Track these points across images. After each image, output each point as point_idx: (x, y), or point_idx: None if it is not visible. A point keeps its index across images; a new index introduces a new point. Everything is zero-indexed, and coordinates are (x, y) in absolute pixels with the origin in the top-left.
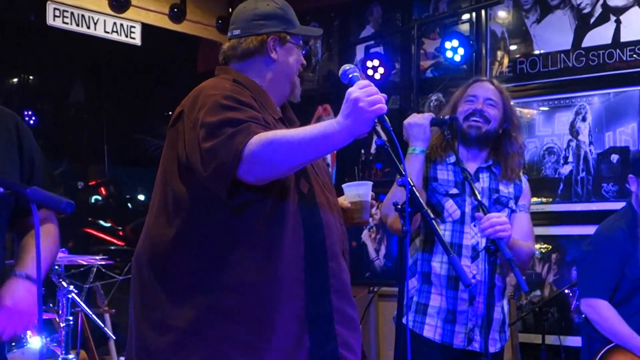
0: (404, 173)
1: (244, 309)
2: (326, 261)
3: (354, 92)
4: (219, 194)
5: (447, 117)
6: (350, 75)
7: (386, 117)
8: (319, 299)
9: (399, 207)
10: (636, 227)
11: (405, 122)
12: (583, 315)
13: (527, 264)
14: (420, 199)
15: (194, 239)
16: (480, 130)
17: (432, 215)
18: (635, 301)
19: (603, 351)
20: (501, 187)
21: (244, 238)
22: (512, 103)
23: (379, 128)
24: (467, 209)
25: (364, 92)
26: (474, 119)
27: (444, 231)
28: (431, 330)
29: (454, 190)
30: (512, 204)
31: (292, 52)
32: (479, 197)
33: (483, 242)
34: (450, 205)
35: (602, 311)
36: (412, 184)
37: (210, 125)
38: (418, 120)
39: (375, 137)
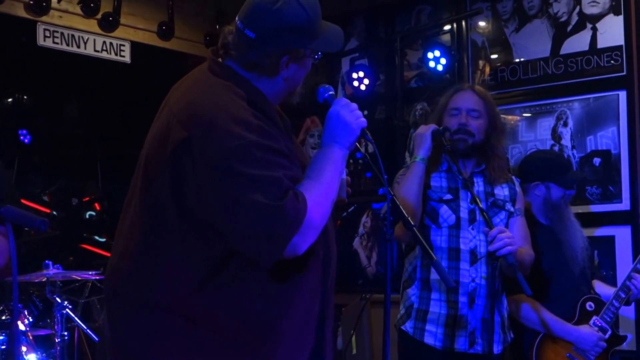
0: (384, 184)
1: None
2: (329, 295)
3: (336, 110)
4: (256, 259)
5: (440, 128)
6: (326, 95)
7: (367, 131)
8: (319, 337)
9: (381, 215)
10: (533, 224)
11: (414, 134)
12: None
13: (529, 268)
14: (402, 208)
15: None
16: (466, 144)
17: (412, 223)
18: (552, 291)
19: (537, 342)
20: (497, 190)
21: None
22: (495, 108)
23: (362, 138)
24: (462, 214)
25: (347, 108)
26: (459, 136)
27: (441, 236)
28: (432, 336)
29: (448, 196)
30: (508, 206)
31: (305, 65)
32: (479, 203)
33: (481, 246)
34: (444, 210)
35: (524, 303)
36: (392, 194)
37: (250, 186)
38: (420, 131)
39: (365, 146)
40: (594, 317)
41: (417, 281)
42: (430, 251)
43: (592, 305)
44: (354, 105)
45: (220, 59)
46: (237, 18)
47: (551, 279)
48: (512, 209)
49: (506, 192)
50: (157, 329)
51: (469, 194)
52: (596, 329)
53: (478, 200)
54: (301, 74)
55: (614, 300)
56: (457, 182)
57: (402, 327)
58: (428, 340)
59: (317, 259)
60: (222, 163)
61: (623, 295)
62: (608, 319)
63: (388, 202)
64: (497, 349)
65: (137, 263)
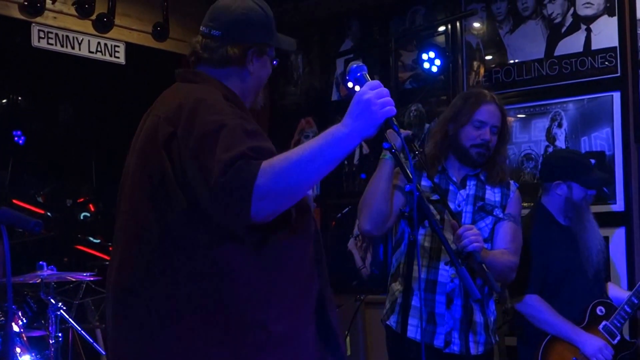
0: (411, 178)
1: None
2: (326, 280)
3: (365, 93)
4: (236, 231)
5: (410, 133)
6: (358, 74)
7: (395, 120)
8: (328, 321)
9: (406, 214)
10: (551, 223)
11: (388, 131)
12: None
13: (508, 275)
14: (429, 207)
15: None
16: (484, 158)
17: (440, 225)
18: (564, 292)
19: (544, 343)
20: (487, 195)
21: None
22: (507, 120)
23: (388, 131)
24: (447, 216)
25: (376, 93)
26: (482, 151)
27: (424, 235)
28: (413, 330)
29: (435, 196)
30: (497, 211)
31: (266, 64)
32: (447, 205)
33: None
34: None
35: (535, 305)
36: (419, 191)
37: (222, 161)
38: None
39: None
40: (604, 322)
41: (400, 277)
42: (454, 257)
43: (603, 309)
44: (385, 91)
45: (190, 69)
46: (200, 28)
47: (564, 280)
48: (500, 215)
49: (497, 197)
50: (173, 327)
51: (458, 195)
52: (604, 334)
53: (446, 202)
54: (264, 74)
55: (625, 306)
56: (448, 183)
57: (387, 322)
58: (410, 334)
59: (308, 236)
60: (198, 146)
61: (636, 301)
62: (618, 325)
63: (415, 200)
64: (477, 349)
65: (156, 266)
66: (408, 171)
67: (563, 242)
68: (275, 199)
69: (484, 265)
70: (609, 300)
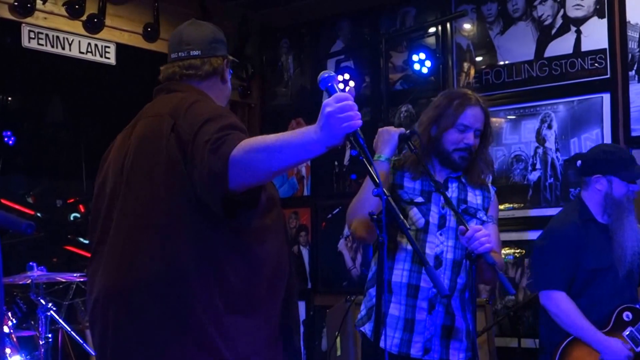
0: (378, 184)
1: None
2: (293, 277)
3: (329, 105)
4: (216, 208)
5: (407, 131)
6: (329, 84)
7: (360, 132)
8: (290, 313)
9: (375, 217)
10: (587, 220)
11: (380, 129)
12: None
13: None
14: (397, 209)
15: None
16: (467, 161)
17: (408, 225)
18: (592, 292)
19: (564, 344)
20: (470, 198)
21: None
22: (490, 121)
23: (352, 139)
24: (432, 219)
25: (339, 107)
26: (464, 155)
27: (407, 240)
28: (388, 340)
29: (419, 199)
30: (480, 214)
31: (229, 75)
32: (452, 205)
33: (448, 252)
34: (414, 213)
35: (560, 303)
36: (387, 195)
37: (213, 137)
38: (389, 129)
39: (349, 148)
40: (630, 328)
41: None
42: (424, 257)
43: (630, 315)
44: (348, 106)
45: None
46: (173, 54)
47: (593, 280)
48: (484, 218)
49: (479, 200)
50: (189, 320)
51: (441, 198)
52: (628, 341)
53: (450, 202)
54: (230, 84)
55: None
56: (431, 185)
57: (362, 329)
58: (384, 344)
59: (280, 228)
60: (198, 129)
61: None
62: None
63: (383, 204)
64: (459, 357)
65: (166, 262)
66: (375, 177)
67: (597, 240)
68: (244, 172)
69: (495, 267)
70: (637, 306)
